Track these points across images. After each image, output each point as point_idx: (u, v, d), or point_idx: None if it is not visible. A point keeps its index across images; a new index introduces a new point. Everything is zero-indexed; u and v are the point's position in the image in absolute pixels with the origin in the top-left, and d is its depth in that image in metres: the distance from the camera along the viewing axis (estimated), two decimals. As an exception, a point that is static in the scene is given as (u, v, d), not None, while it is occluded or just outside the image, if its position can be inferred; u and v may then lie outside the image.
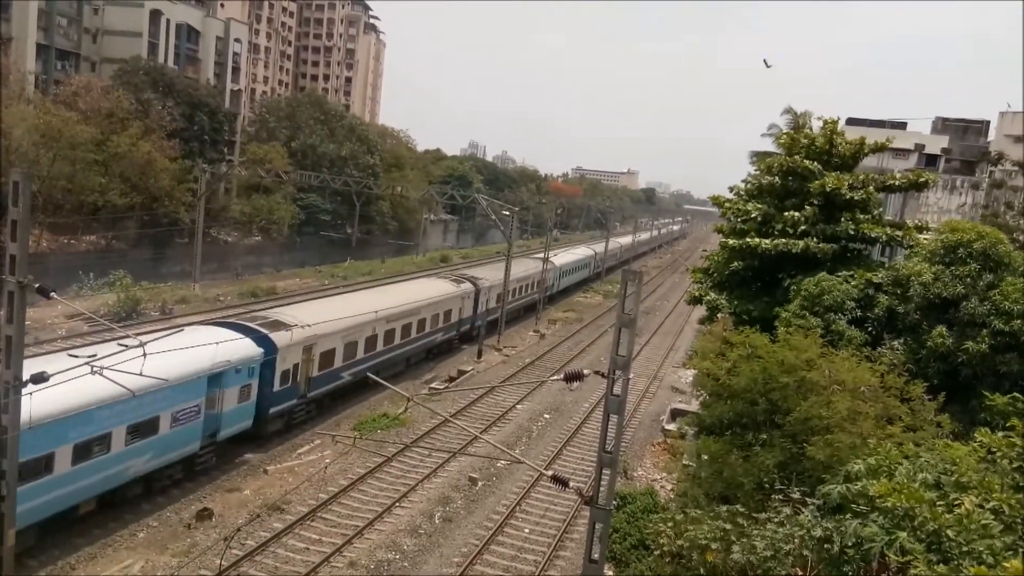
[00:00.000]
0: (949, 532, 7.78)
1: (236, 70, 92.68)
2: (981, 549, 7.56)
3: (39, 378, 14.06)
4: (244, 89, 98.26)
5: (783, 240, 26.43)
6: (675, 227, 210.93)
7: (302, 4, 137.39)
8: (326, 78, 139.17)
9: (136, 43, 76.41)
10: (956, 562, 7.55)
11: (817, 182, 26.70)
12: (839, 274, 24.68)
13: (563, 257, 71.85)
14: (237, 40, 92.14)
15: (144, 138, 58.89)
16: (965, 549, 7.60)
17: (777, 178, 28.30)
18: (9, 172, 15.10)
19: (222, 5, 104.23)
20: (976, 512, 8.03)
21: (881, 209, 30.37)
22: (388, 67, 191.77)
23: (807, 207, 26.88)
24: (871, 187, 27.67)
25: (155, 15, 79.29)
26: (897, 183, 28.93)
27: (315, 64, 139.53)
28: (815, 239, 26.20)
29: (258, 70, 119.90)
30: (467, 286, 45.58)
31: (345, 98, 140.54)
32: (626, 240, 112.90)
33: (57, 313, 39.77)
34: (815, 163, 27.46)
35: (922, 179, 29.18)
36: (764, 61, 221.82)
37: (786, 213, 27.13)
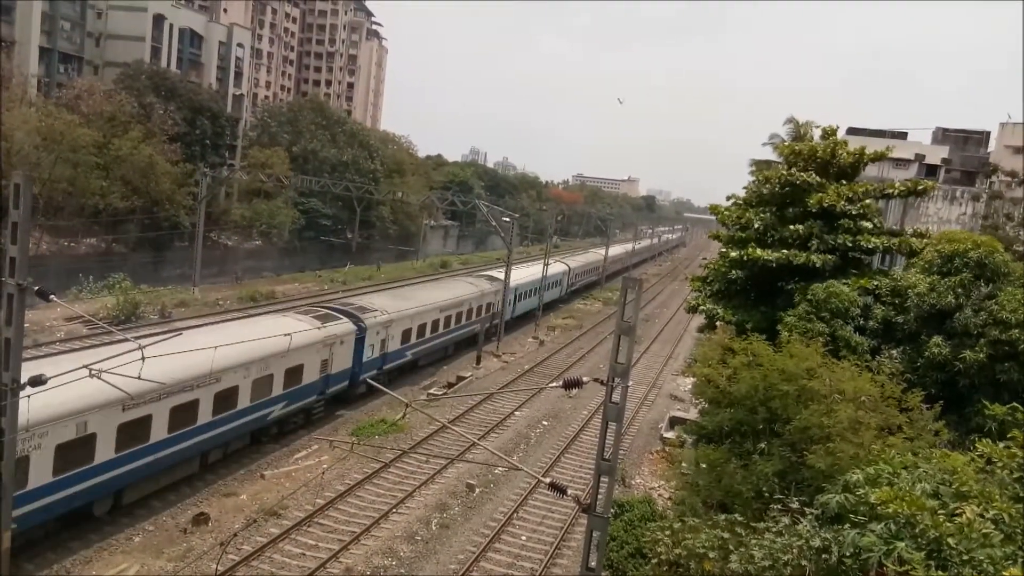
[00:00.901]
0: (950, 540, 7.76)
1: (238, 75, 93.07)
2: (981, 558, 7.54)
3: (37, 381, 14.02)
4: (246, 94, 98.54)
5: (786, 252, 26.47)
6: (672, 235, 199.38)
7: (305, 10, 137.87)
8: (328, 83, 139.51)
9: (139, 47, 76.77)
10: (956, 571, 7.53)
11: (815, 197, 26.74)
12: (838, 281, 24.72)
13: (522, 274, 57.41)
14: (240, 45, 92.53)
15: (146, 142, 59.10)
16: (966, 558, 7.57)
17: (776, 188, 28.36)
18: (10, 174, 15.07)
19: (225, 10, 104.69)
20: (977, 521, 8.01)
21: (881, 218, 30.43)
22: (390, 73, 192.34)
23: (809, 221, 26.92)
24: (868, 200, 27.73)
25: (158, 19, 79.66)
26: (896, 191, 29.00)
27: (317, 69, 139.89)
28: (816, 251, 26.24)
29: (260, 75, 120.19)
30: (341, 326, 30.90)
31: (347, 103, 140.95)
32: (616, 250, 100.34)
33: (56, 316, 39.75)
34: (813, 175, 27.51)
35: (921, 186, 29.26)
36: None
37: (791, 227, 27.16)
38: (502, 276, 51.50)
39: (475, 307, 46.56)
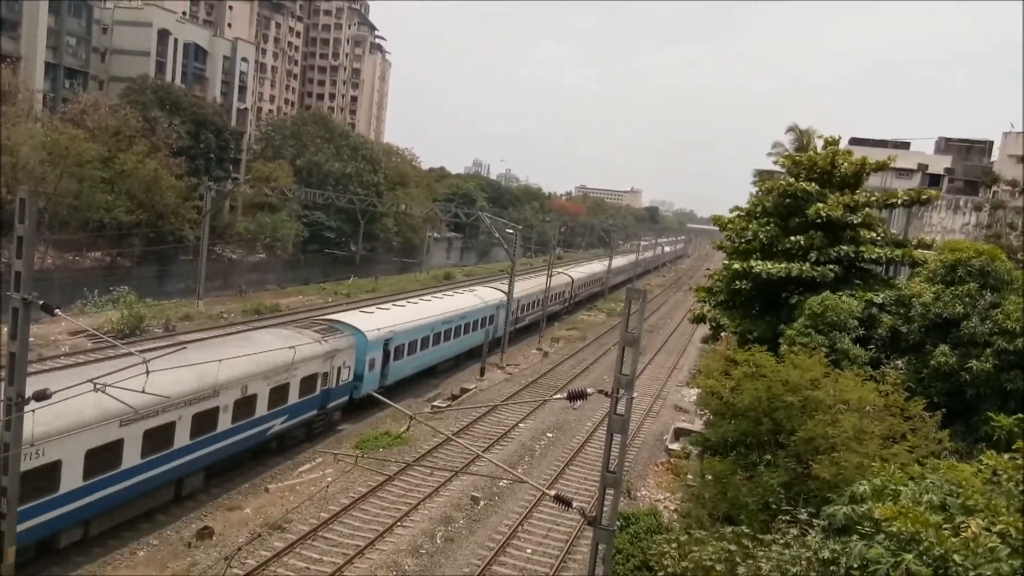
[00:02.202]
0: (956, 557, 7.70)
1: (243, 89, 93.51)
2: (988, 573, 7.48)
3: (41, 395, 14.05)
4: (250, 108, 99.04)
5: (787, 264, 26.50)
6: (670, 248, 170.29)
7: (309, 24, 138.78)
8: (332, 97, 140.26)
9: (144, 62, 77.26)
10: (963, 586, 7.47)
11: (813, 208, 26.75)
12: (840, 293, 24.69)
13: (415, 312, 38.22)
14: (244, 59, 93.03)
15: (150, 156, 59.41)
16: (972, 574, 7.51)
17: (778, 199, 28.39)
18: (16, 189, 15.17)
19: (230, 25, 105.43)
20: (983, 535, 7.95)
21: (885, 226, 30.41)
22: (393, 86, 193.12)
23: (810, 232, 26.92)
24: (868, 209, 27.73)
25: (163, 35, 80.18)
26: (900, 200, 29.02)
27: (321, 83, 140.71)
28: (814, 262, 26.23)
29: (264, 89, 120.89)
30: None
31: (351, 117, 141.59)
32: (595, 268, 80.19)
33: (61, 330, 39.84)
34: (813, 185, 27.52)
35: (924, 195, 29.29)
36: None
37: (792, 238, 27.18)
38: (355, 321, 33.33)
39: (242, 397, 24.45)
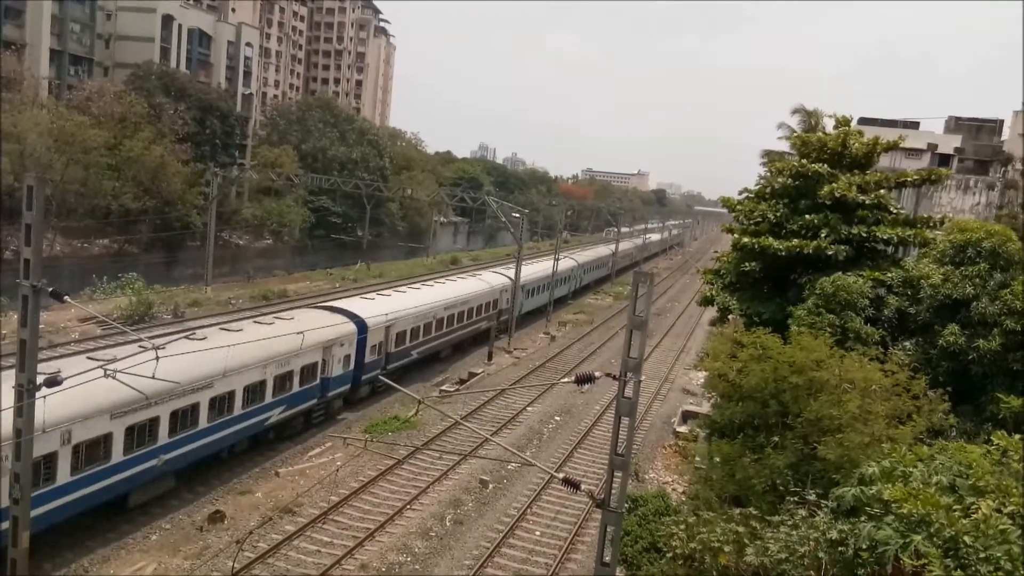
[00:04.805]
0: (966, 538, 7.68)
1: (247, 74, 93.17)
2: (999, 555, 7.46)
3: (53, 381, 14.13)
4: (255, 93, 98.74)
5: (796, 241, 26.28)
6: (657, 235, 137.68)
7: (312, 8, 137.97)
8: (336, 81, 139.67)
9: (148, 48, 77.01)
10: (973, 568, 7.45)
11: (826, 188, 26.51)
12: (850, 272, 24.55)
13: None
14: (248, 44, 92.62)
15: (156, 142, 59.34)
16: (983, 555, 7.50)
17: (789, 180, 28.15)
18: (23, 177, 15.22)
19: (233, 10, 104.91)
20: (993, 517, 7.93)
21: (899, 207, 30.13)
22: (398, 70, 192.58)
23: (823, 212, 26.69)
24: (882, 190, 27.46)
25: (167, 20, 79.86)
26: (910, 180, 28.74)
27: (326, 68, 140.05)
28: (828, 240, 26.03)
29: (269, 74, 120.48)
30: None
31: (356, 101, 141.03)
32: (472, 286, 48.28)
33: (70, 316, 40.05)
34: (824, 166, 27.25)
35: (935, 175, 29.01)
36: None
37: (806, 216, 26.94)
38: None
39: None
